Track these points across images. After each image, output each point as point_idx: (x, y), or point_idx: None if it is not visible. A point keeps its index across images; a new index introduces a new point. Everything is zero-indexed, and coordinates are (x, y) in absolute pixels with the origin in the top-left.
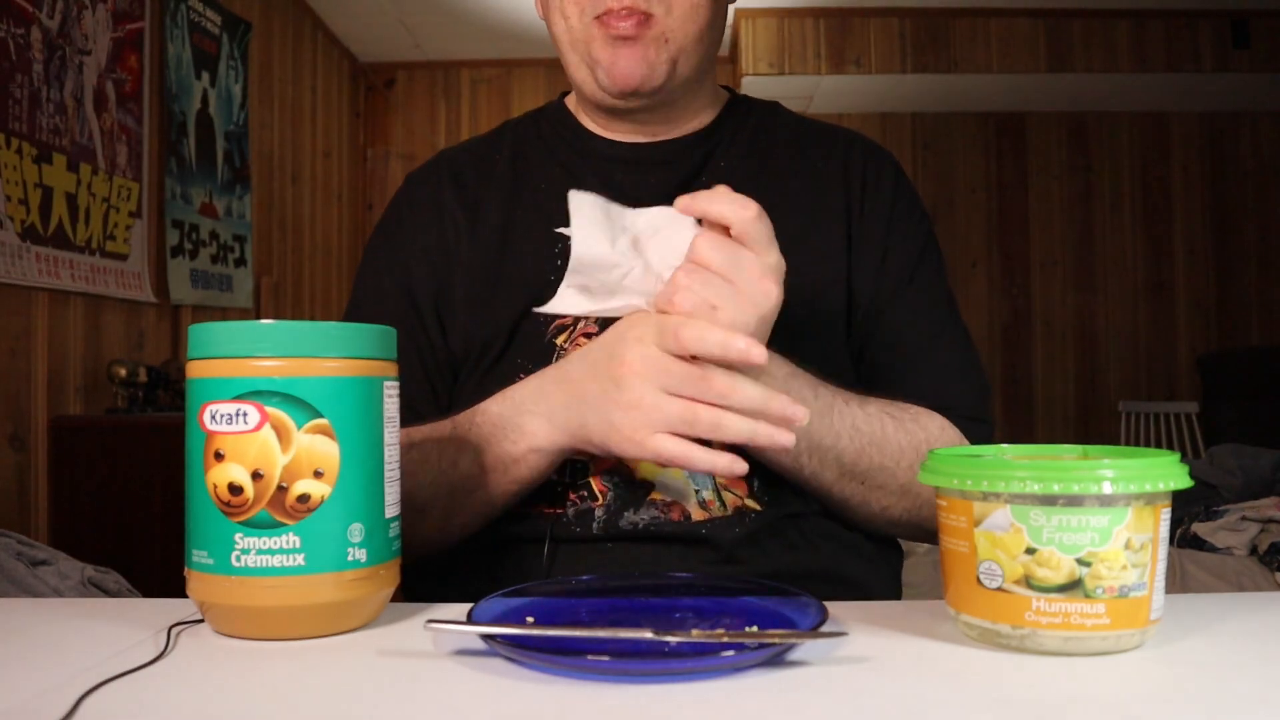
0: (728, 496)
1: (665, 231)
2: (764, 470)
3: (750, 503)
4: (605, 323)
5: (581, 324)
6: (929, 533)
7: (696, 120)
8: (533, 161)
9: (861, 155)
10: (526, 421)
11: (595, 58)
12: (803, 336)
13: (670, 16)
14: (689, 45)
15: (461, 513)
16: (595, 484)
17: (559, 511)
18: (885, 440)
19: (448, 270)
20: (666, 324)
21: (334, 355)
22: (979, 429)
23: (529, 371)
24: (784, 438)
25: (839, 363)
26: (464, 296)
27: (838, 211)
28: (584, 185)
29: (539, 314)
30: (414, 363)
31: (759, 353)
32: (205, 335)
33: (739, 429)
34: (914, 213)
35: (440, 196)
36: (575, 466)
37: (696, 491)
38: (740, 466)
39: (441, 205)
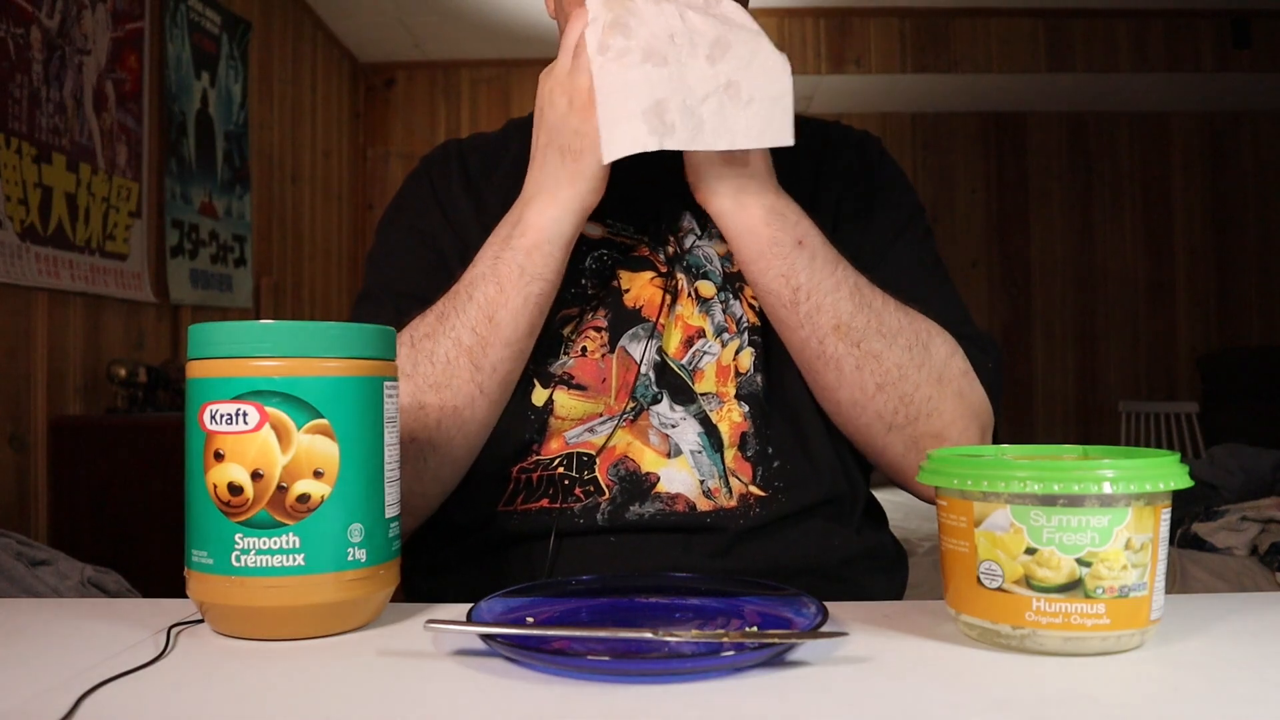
0: (734, 483)
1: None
2: (769, 457)
3: (755, 489)
4: (612, 319)
5: (588, 316)
6: (907, 445)
7: None
8: None
9: (850, 140)
10: (524, 213)
11: None
12: None
13: None
14: None
15: (491, 349)
16: (602, 478)
17: (564, 506)
18: (885, 311)
19: (463, 241)
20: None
21: (334, 355)
22: (984, 359)
23: (539, 368)
24: None
25: None
26: None
27: (827, 205)
28: None
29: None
30: (435, 295)
31: None
32: (205, 335)
33: None
34: (897, 184)
35: (450, 180)
36: (581, 460)
37: (702, 481)
38: None
39: (451, 189)
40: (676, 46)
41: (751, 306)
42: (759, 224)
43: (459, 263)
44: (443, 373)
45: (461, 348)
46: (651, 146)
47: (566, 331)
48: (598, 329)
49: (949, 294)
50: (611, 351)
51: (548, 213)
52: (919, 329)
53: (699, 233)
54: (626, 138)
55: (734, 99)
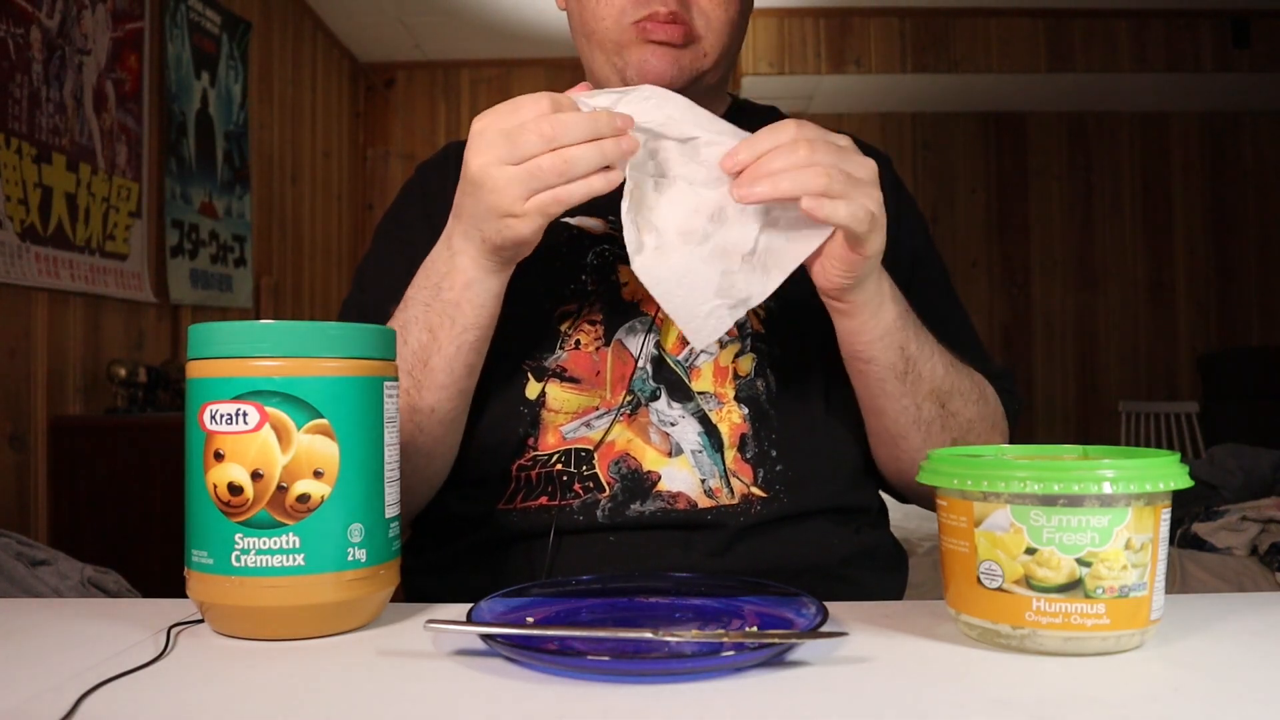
0: (735, 484)
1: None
2: (771, 460)
3: (757, 490)
4: (608, 313)
5: (585, 310)
6: None
7: None
8: None
9: None
10: (450, 265)
11: (626, 58)
12: (815, 332)
13: (710, 32)
14: (720, 59)
15: (426, 391)
16: (602, 475)
17: (563, 503)
18: (959, 369)
19: None
20: (519, 100)
21: (334, 355)
22: (1012, 400)
23: (534, 363)
24: (627, 143)
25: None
26: None
27: None
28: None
29: (545, 297)
30: None
31: (625, 122)
32: (205, 335)
33: (587, 157)
34: (913, 207)
35: (448, 185)
36: (579, 456)
37: (703, 481)
38: (615, 175)
39: (449, 193)
40: (702, 218)
41: (755, 314)
42: (889, 300)
43: None
44: None
45: (399, 389)
46: (735, 319)
47: (564, 327)
48: (593, 322)
49: (971, 333)
50: (606, 345)
51: (471, 264)
52: (978, 381)
53: None
54: (713, 324)
55: (774, 233)
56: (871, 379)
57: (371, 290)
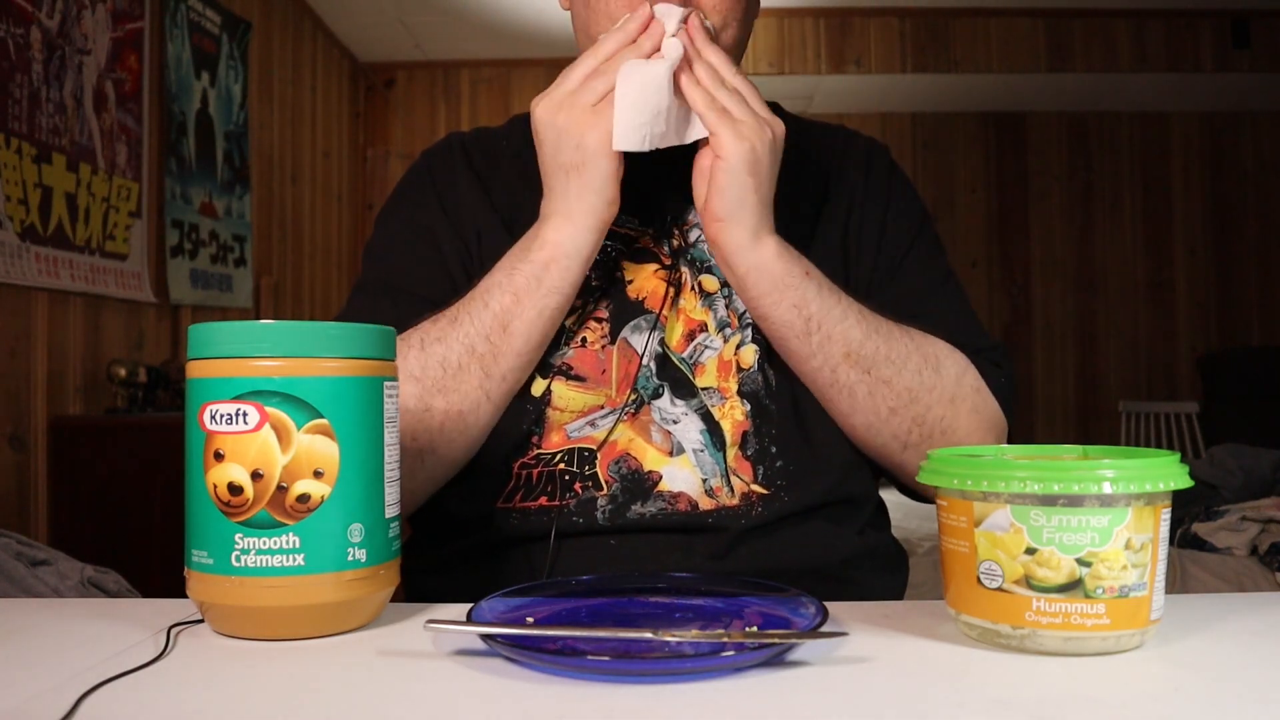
0: (735, 483)
1: None
2: (771, 455)
3: (758, 487)
4: (613, 310)
5: (590, 307)
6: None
7: None
8: None
9: (858, 150)
10: (541, 230)
11: None
12: None
13: (725, 28)
14: (733, 51)
15: (502, 357)
16: (601, 474)
17: (562, 504)
18: (892, 337)
19: (466, 234)
20: (562, 74)
21: (334, 355)
22: (997, 372)
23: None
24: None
25: None
26: (482, 264)
27: (838, 208)
28: None
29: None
30: (433, 294)
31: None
32: (205, 335)
33: (611, 38)
34: (907, 196)
35: (455, 171)
36: (582, 455)
37: (704, 480)
38: (643, 10)
39: (457, 178)
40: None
41: None
42: (772, 258)
43: (456, 258)
44: (453, 378)
45: (474, 354)
46: (649, 146)
47: (569, 323)
48: (599, 320)
49: (961, 307)
50: (612, 343)
51: (564, 229)
52: (927, 352)
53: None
54: (635, 136)
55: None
56: (775, 340)
57: (385, 268)
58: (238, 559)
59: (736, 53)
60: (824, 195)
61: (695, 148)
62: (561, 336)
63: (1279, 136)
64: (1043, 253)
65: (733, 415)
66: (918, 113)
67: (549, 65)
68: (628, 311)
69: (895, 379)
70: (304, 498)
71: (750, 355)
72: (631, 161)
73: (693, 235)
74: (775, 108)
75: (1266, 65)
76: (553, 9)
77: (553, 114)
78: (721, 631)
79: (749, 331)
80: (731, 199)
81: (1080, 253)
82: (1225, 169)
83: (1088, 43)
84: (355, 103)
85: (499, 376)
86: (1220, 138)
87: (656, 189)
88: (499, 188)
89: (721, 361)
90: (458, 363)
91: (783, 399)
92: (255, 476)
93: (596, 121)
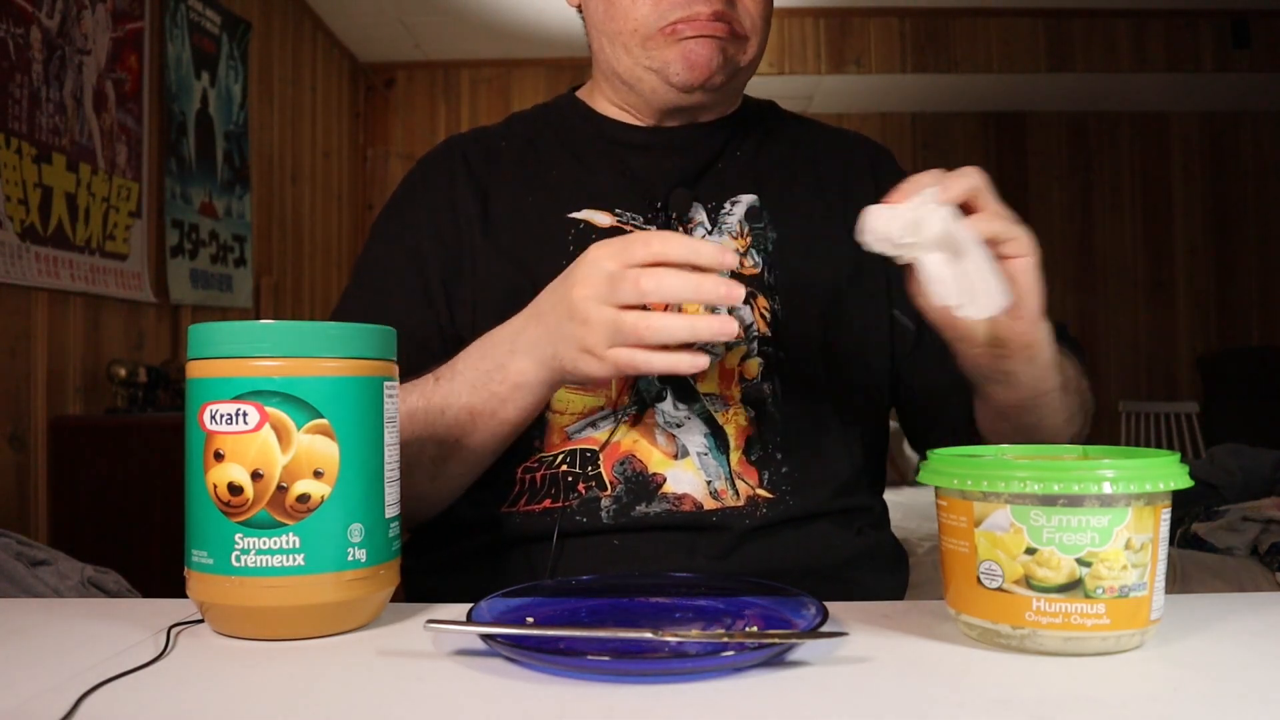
0: (740, 485)
1: None
2: (776, 461)
3: (763, 492)
4: None
5: None
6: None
7: (717, 110)
8: (543, 150)
9: (864, 158)
10: (510, 361)
11: (665, 54)
12: (820, 337)
13: (755, 32)
14: (756, 58)
15: (452, 462)
16: (606, 474)
17: (566, 505)
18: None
19: (458, 252)
20: (635, 237)
21: (334, 355)
22: (1078, 351)
23: None
24: (720, 324)
25: (879, 330)
26: (475, 279)
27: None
28: (596, 170)
29: None
30: (415, 330)
31: (730, 258)
32: (205, 335)
33: (670, 328)
34: None
35: (453, 180)
36: (585, 456)
37: (709, 483)
38: (701, 360)
39: (454, 188)
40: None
41: (763, 316)
42: (1048, 334)
43: (438, 280)
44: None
45: (424, 455)
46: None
47: None
48: None
49: None
50: None
51: (530, 373)
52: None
53: (709, 227)
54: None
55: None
56: (1045, 409)
57: (371, 287)
58: (238, 559)
59: (767, 38)
60: (844, 200)
61: (704, 136)
62: None
63: (1279, 136)
64: (1042, 252)
65: (736, 420)
66: (917, 113)
67: (549, 65)
68: None
69: (1080, 383)
70: (304, 498)
71: (754, 368)
72: (636, 156)
73: (697, 234)
74: (774, 105)
75: (1266, 65)
76: (553, 9)
77: (587, 290)
78: (722, 631)
79: (755, 345)
80: (1041, 296)
81: (1080, 252)
82: (1225, 169)
83: (1088, 43)
84: (355, 103)
85: (445, 476)
86: (1220, 137)
87: (660, 185)
88: (498, 191)
89: (723, 369)
90: (408, 459)
91: (789, 409)
92: (255, 476)
93: (605, 359)
